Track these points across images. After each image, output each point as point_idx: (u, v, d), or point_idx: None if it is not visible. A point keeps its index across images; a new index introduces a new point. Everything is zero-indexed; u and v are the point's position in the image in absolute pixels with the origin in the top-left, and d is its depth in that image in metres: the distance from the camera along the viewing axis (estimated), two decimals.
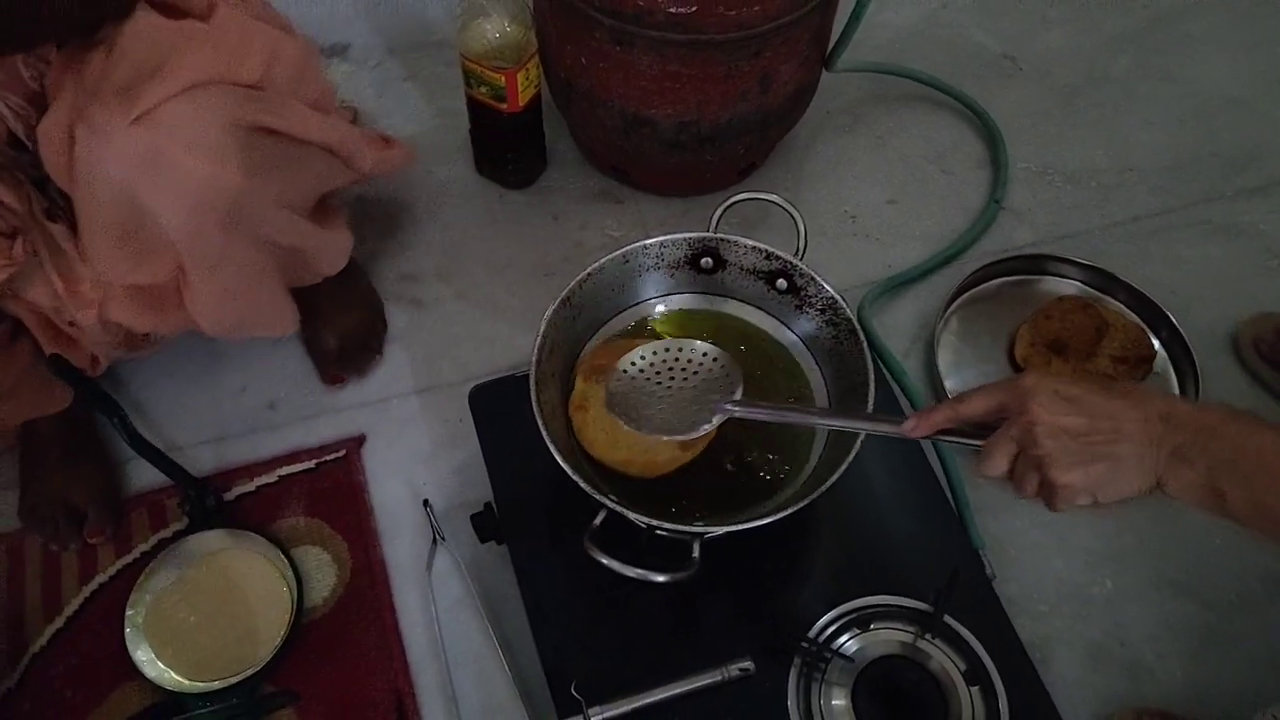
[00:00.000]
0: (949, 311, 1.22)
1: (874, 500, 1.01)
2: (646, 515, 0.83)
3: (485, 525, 1.03)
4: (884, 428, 0.77)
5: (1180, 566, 1.08)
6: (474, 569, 1.05)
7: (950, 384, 1.16)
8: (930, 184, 1.36)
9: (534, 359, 0.89)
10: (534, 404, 0.86)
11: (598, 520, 0.85)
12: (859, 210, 1.33)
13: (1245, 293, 1.26)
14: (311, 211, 1.03)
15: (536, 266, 1.27)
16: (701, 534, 0.85)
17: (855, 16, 1.17)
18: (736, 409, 0.81)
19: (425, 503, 1.09)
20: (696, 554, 0.84)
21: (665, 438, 0.82)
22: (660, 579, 0.82)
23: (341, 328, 1.17)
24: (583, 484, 0.83)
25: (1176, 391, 1.18)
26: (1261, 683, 1.01)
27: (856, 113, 1.42)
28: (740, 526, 0.86)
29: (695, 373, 0.85)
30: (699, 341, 0.87)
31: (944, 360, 1.20)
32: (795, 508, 0.83)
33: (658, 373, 0.86)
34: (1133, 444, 0.66)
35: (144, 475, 1.10)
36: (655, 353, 0.87)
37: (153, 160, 0.82)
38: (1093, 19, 1.53)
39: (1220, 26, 1.52)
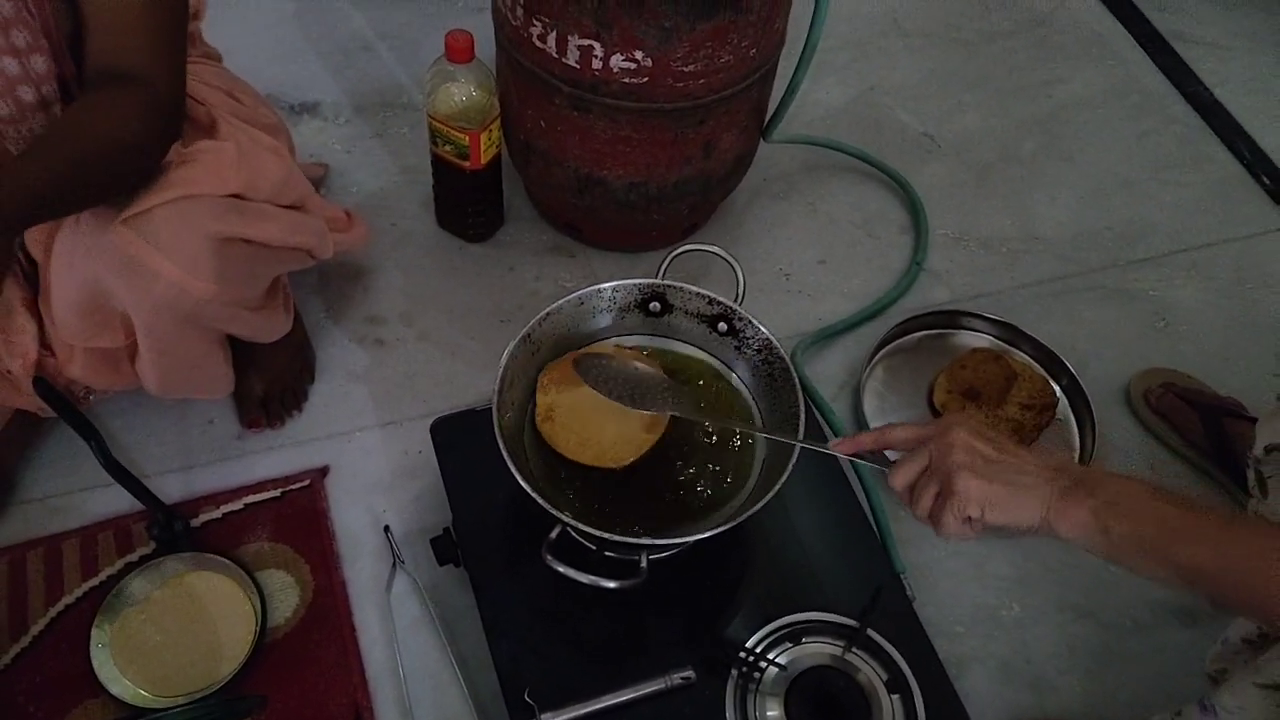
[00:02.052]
0: (874, 361, 1.33)
1: (805, 527, 1.10)
2: (599, 530, 0.91)
3: (444, 548, 1.09)
4: (817, 444, 0.87)
5: (1081, 592, 1.18)
6: (432, 591, 1.11)
7: (875, 425, 1.27)
8: (857, 247, 1.48)
9: (497, 387, 0.97)
10: (496, 427, 0.94)
11: (553, 534, 0.93)
12: (792, 269, 1.45)
13: (1137, 350, 1.39)
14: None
15: (493, 313, 1.36)
16: (648, 546, 0.92)
17: (790, 91, 1.30)
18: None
19: (386, 528, 1.15)
20: (644, 564, 0.92)
21: (633, 409, 0.94)
22: (611, 585, 0.89)
23: (269, 376, 1.23)
24: (540, 500, 0.90)
25: (1076, 435, 1.30)
26: (1151, 698, 1.11)
27: (791, 180, 1.54)
28: (681, 540, 0.94)
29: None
30: (651, 370, 0.98)
31: (869, 405, 1.30)
32: (732, 523, 0.92)
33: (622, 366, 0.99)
34: (1032, 478, 0.75)
35: (111, 501, 1.15)
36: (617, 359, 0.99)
37: (131, 261, 0.90)
38: (1004, 106, 1.69)
39: (1114, 118, 1.70)
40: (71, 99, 0.92)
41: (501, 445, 0.92)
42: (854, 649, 1.00)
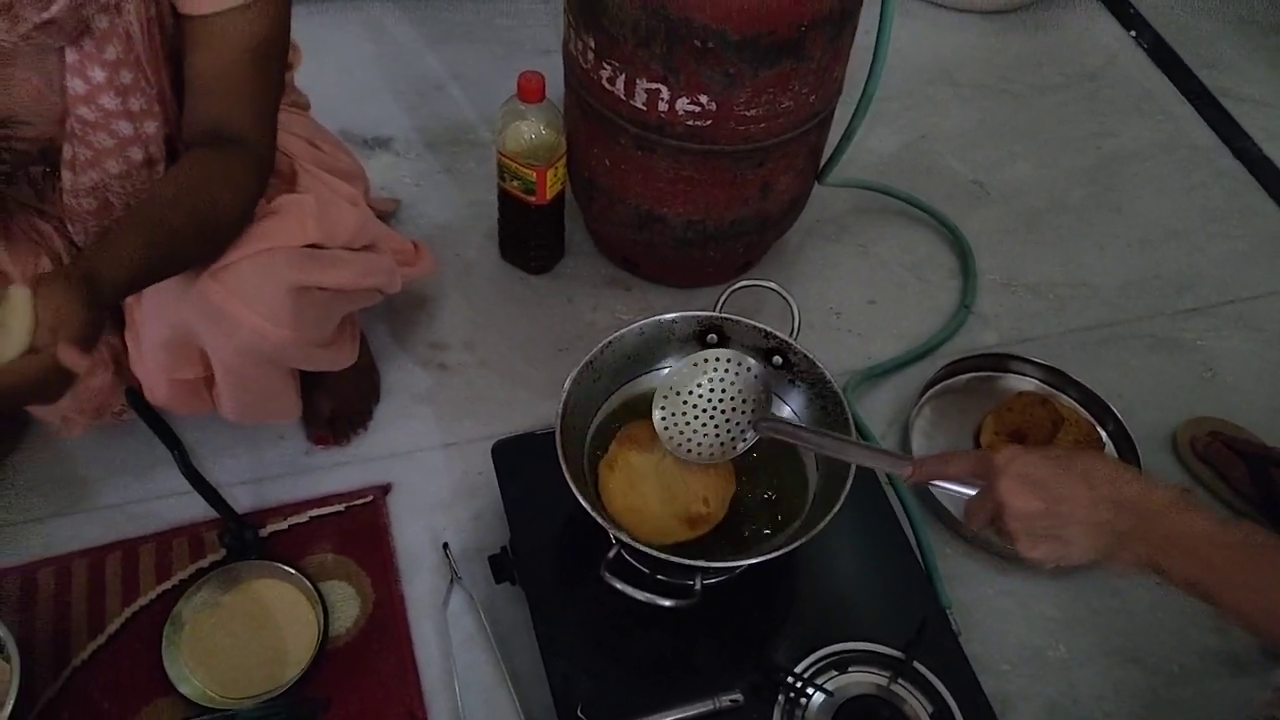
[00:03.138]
0: (922, 400, 1.36)
1: (853, 559, 1.13)
2: (656, 550, 0.94)
3: (501, 566, 1.13)
4: (887, 462, 0.91)
5: (1128, 636, 1.19)
6: (487, 607, 1.15)
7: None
8: (907, 289, 1.52)
9: (560, 411, 1.01)
10: (559, 449, 0.98)
11: (611, 554, 0.96)
12: (843, 308, 1.48)
13: (1183, 398, 1.41)
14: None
15: (552, 342, 1.40)
16: (702, 569, 0.95)
17: (846, 137, 1.35)
18: (770, 428, 0.97)
19: (444, 545, 1.20)
20: (699, 586, 0.95)
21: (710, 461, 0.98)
22: (666, 603, 0.92)
23: (337, 397, 1.28)
24: (599, 518, 0.94)
25: None
26: None
27: (843, 223, 1.59)
28: (735, 564, 0.97)
29: (733, 383, 1.00)
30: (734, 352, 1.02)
31: (917, 443, 1.33)
32: (787, 549, 0.95)
33: (699, 394, 1.00)
34: (1080, 527, 0.77)
35: (186, 509, 1.20)
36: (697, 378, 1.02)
37: (217, 310, 0.96)
38: (1053, 156, 1.73)
39: (1163, 171, 1.72)
40: (174, 154, 0.99)
41: (564, 466, 0.96)
42: (900, 680, 1.02)
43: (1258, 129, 1.80)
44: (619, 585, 0.93)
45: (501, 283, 1.47)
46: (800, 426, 1.06)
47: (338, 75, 1.68)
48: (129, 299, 1.05)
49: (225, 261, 0.94)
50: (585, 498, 0.95)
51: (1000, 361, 1.41)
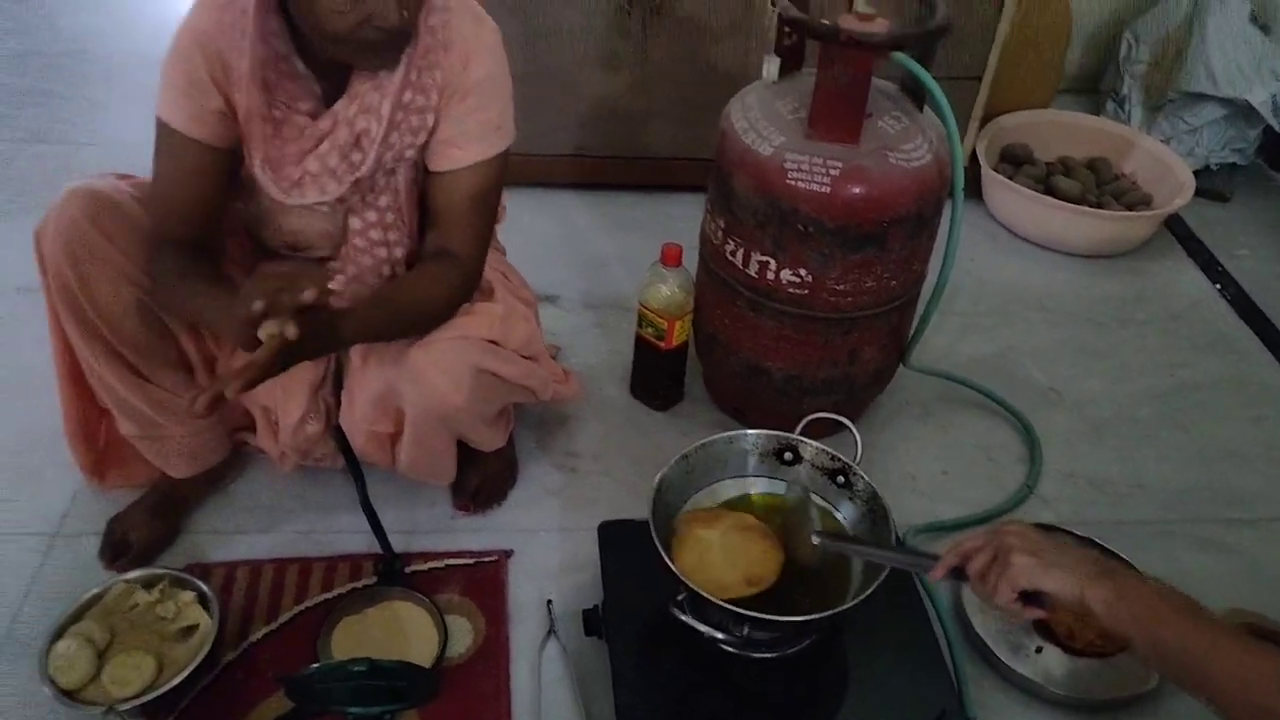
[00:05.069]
0: None
1: (891, 662, 1.31)
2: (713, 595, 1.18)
3: (593, 622, 1.37)
4: (916, 561, 1.16)
5: None
6: (575, 657, 1.38)
7: (977, 621, 1.45)
8: (978, 466, 1.73)
9: (655, 485, 1.28)
10: (650, 513, 1.24)
11: (680, 596, 1.20)
12: (918, 474, 1.71)
13: (1227, 593, 1.53)
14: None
15: (664, 464, 1.68)
16: (750, 618, 1.17)
17: (923, 320, 1.62)
18: (825, 539, 1.24)
19: (548, 602, 1.45)
20: (745, 631, 1.17)
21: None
22: (720, 636, 1.15)
23: (482, 475, 1.59)
24: (669, 562, 1.19)
25: None
26: None
27: (928, 406, 1.83)
28: (777, 618, 1.18)
29: None
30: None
31: (968, 595, 1.50)
32: (818, 616, 1.16)
33: None
34: (1071, 562, 1.00)
35: (351, 543, 1.51)
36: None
37: (419, 373, 1.30)
38: (1127, 377, 1.94)
39: (1232, 401, 1.90)
40: (410, 266, 1.37)
41: (653, 530, 1.22)
42: None
43: None
44: (685, 618, 1.17)
45: (629, 414, 1.78)
46: (849, 537, 1.30)
47: (527, 242, 2.08)
48: (355, 367, 1.40)
49: (431, 339, 1.29)
50: (665, 553, 1.20)
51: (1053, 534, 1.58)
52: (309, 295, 1.06)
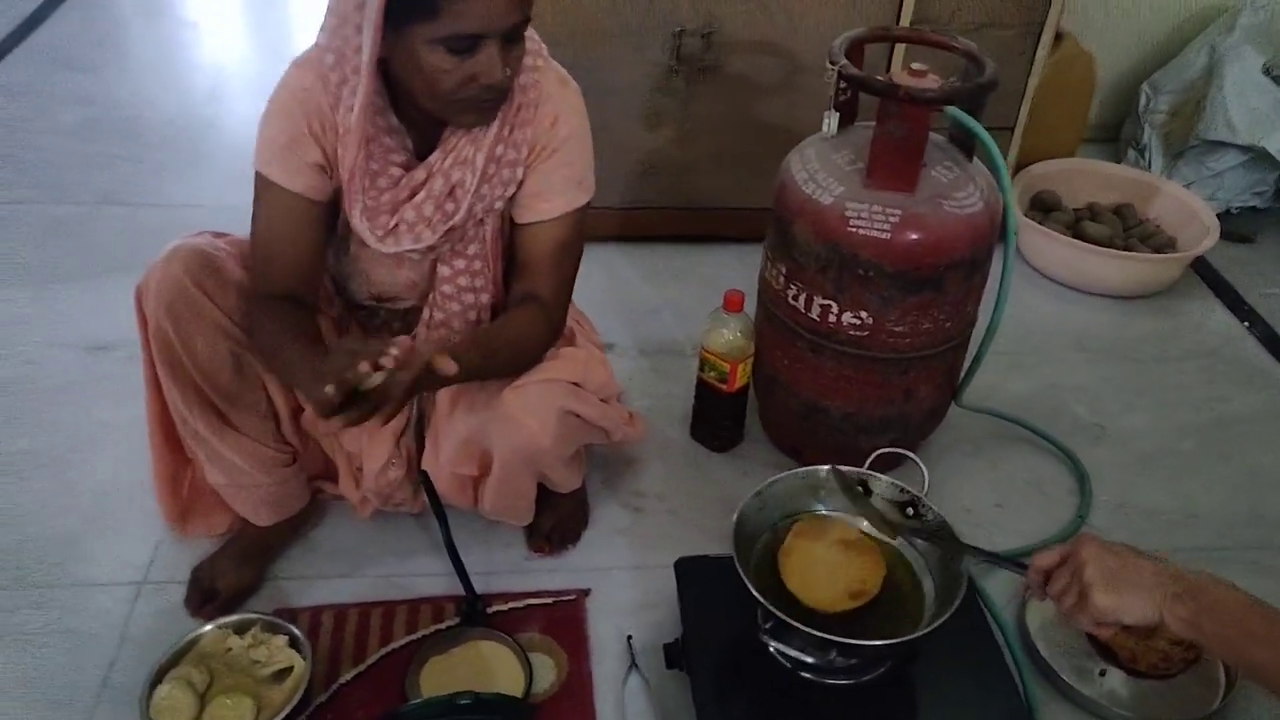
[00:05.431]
0: None
1: (962, 687, 1.35)
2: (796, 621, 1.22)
3: (674, 655, 1.41)
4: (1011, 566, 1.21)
5: None
6: (656, 691, 1.42)
7: (1042, 646, 1.50)
8: (1030, 500, 1.79)
9: (735, 519, 1.33)
10: (733, 542, 1.29)
11: (766, 624, 1.25)
12: (973, 507, 1.76)
13: None
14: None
15: (725, 503, 1.72)
16: (833, 642, 1.22)
17: (976, 360, 1.69)
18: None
19: (629, 638, 1.49)
20: (833, 655, 1.22)
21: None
22: (809, 660, 1.20)
23: (556, 516, 1.64)
24: (753, 591, 1.23)
25: (1221, 671, 1.48)
26: None
27: (978, 443, 1.89)
28: (853, 641, 1.22)
29: None
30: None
31: (1030, 618, 1.55)
32: (898, 640, 1.21)
33: None
34: (1146, 586, 1.04)
35: (431, 587, 1.56)
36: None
37: (509, 415, 1.36)
38: (1169, 412, 2.00)
39: (1271, 433, 1.96)
40: (495, 314, 1.45)
41: (735, 555, 1.27)
42: None
43: None
44: (772, 645, 1.22)
45: (690, 455, 1.84)
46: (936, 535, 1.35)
47: (578, 293, 2.15)
48: (441, 413, 1.45)
49: (521, 382, 1.35)
50: (746, 575, 1.25)
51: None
52: (375, 380, 1.10)
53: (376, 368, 1.08)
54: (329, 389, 1.06)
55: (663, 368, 2.03)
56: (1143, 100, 2.67)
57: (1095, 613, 1.05)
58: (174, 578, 1.56)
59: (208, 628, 1.42)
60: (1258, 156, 2.49)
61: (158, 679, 1.35)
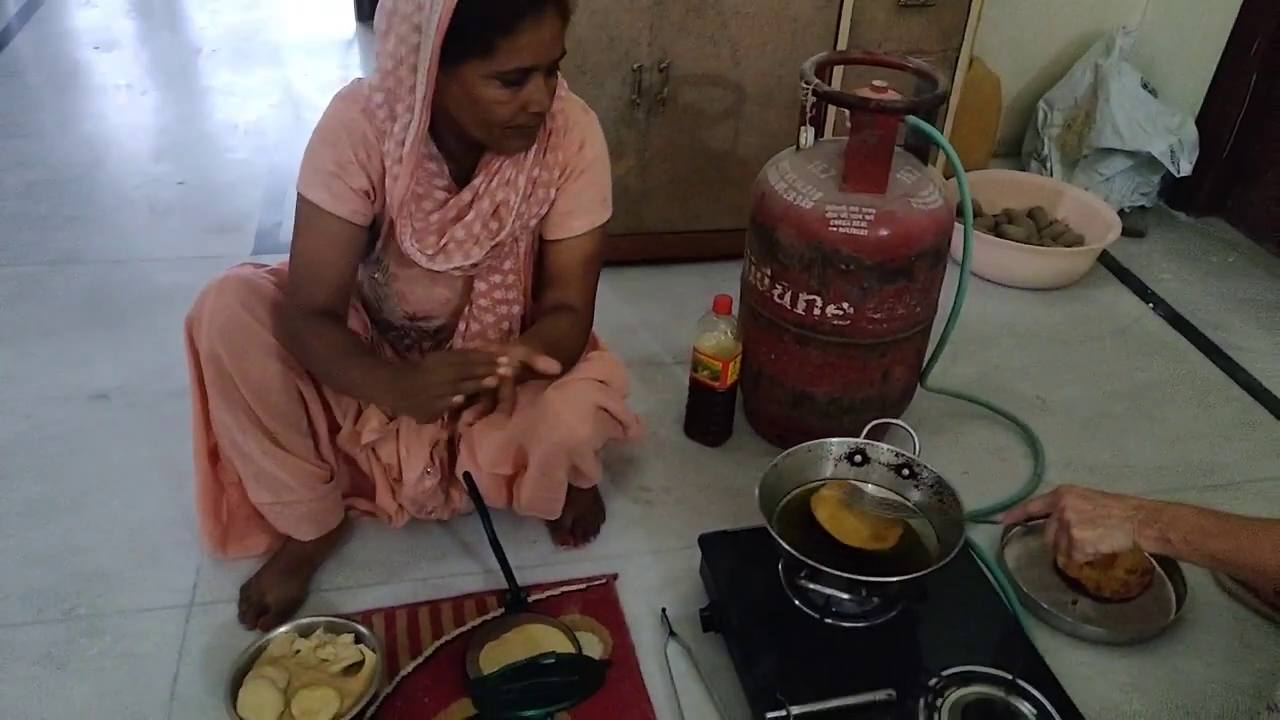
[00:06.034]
0: (1010, 534, 1.80)
1: (969, 626, 1.53)
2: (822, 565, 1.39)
3: (709, 619, 1.56)
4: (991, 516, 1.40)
5: (1186, 696, 1.54)
6: (698, 653, 1.56)
7: (1024, 584, 1.70)
8: (992, 466, 2.00)
9: (758, 488, 1.50)
10: (764, 514, 1.45)
11: (801, 573, 1.41)
12: (943, 475, 1.95)
13: None
14: None
15: (726, 490, 1.90)
16: (861, 581, 1.39)
17: (941, 343, 1.90)
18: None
19: (663, 610, 1.63)
20: (864, 593, 1.39)
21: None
22: (845, 597, 1.37)
23: (577, 511, 1.78)
24: (779, 541, 1.40)
25: (1171, 591, 1.71)
26: None
27: (940, 423, 2.10)
28: (873, 579, 1.39)
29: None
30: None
31: (1009, 561, 1.75)
32: (916, 575, 1.39)
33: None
34: (1117, 519, 1.26)
35: (469, 584, 1.68)
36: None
37: (553, 412, 1.49)
38: (1097, 383, 2.26)
39: (1184, 395, 2.24)
40: (523, 325, 1.59)
41: (764, 515, 1.44)
42: (1010, 694, 1.40)
43: (1259, 371, 2.32)
44: (811, 587, 1.38)
45: (686, 451, 2.00)
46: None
47: None
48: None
49: (564, 381, 1.48)
50: (777, 533, 1.42)
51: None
52: (491, 382, 1.24)
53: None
54: (457, 399, 1.23)
55: (648, 378, 2.19)
56: (1040, 115, 2.99)
57: (1079, 546, 1.27)
58: (220, 597, 1.64)
59: (278, 631, 1.50)
60: (1143, 161, 2.82)
61: (237, 683, 1.42)
